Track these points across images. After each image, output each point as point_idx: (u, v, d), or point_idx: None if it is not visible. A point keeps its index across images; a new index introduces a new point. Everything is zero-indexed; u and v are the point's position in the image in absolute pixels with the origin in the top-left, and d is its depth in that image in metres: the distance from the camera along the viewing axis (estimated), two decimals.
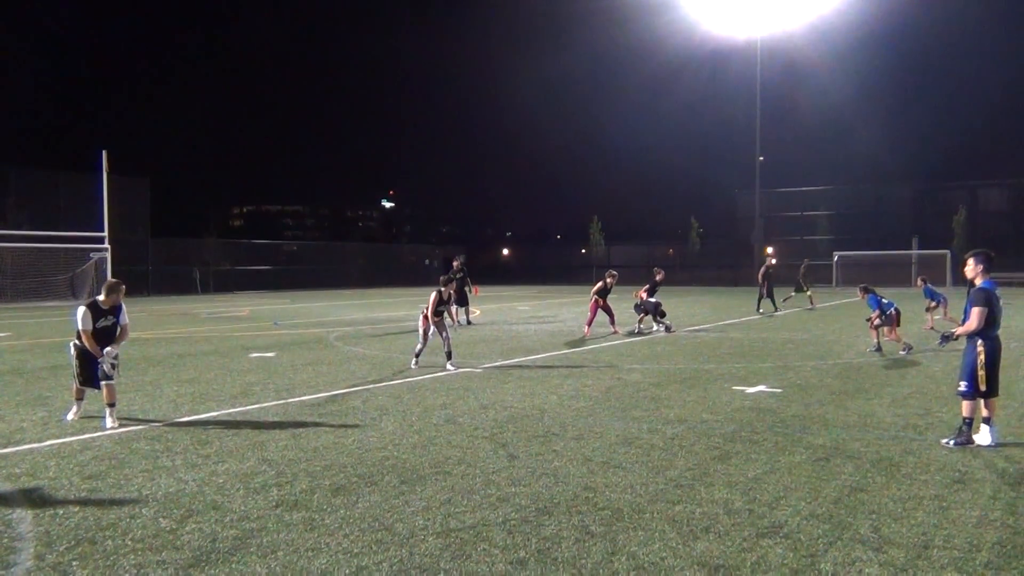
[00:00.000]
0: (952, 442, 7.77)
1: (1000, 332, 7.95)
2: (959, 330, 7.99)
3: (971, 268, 8.02)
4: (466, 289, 22.82)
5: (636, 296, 20.54)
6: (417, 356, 13.51)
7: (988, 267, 7.95)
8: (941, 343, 8.54)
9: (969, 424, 7.79)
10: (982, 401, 7.85)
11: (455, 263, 23.68)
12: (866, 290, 16.02)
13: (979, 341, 7.76)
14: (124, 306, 9.38)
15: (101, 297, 9.23)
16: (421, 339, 13.42)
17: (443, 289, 13.39)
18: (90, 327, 8.98)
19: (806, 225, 65.02)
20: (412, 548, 5.11)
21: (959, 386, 7.90)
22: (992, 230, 58.48)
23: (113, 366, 8.99)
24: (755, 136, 56.28)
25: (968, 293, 8.05)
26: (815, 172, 67.90)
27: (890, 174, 68.12)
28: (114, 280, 9.55)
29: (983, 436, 7.76)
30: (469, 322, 22.39)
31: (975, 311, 7.71)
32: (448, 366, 13.18)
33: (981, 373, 7.71)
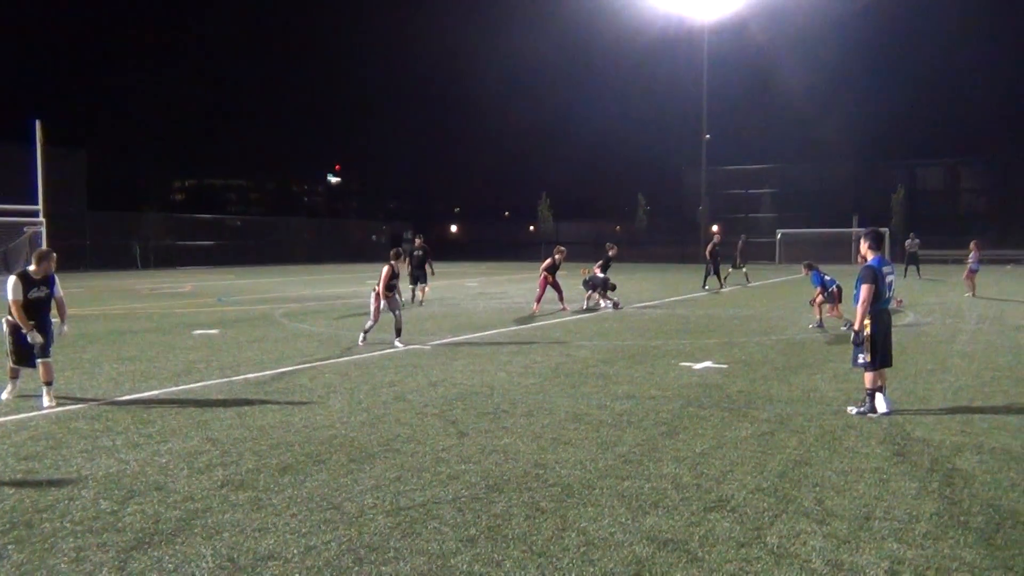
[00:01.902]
0: (855, 410, 8.17)
1: (891, 306, 8.45)
2: (856, 318, 8.19)
3: (862, 247, 8.49)
4: (427, 267, 22.50)
5: (584, 273, 20.62)
6: (366, 333, 13.37)
7: (876, 245, 8.39)
8: (853, 337, 8.36)
9: (871, 395, 8.16)
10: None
11: (417, 240, 23.53)
12: (809, 267, 16.36)
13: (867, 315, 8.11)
14: (57, 278, 9.07)
15: (32, 267, 8.91)
16: (372, 316, 13.26)
17: (394, 263, 13.26)
18: (21, 298, 8.66)
19: (750, 203, 66.11)
20: (361, 527, 5.07)
21: (858, 359, 8.20)
22: (929, 208, 60.26)
23: (45, 343, 8.73)
24: (701, 114, 56.79)
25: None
26: (759, 151, 68.84)
27: (832, 153, 69.38)
28: (44, 249, 9.24)
29: (879, 403, 8.16)
30: (417, 300, 22.11)
31: (863, 288, 8.07)
32: (396, 343, 13.07)
33: (867, 344, 8.07)
